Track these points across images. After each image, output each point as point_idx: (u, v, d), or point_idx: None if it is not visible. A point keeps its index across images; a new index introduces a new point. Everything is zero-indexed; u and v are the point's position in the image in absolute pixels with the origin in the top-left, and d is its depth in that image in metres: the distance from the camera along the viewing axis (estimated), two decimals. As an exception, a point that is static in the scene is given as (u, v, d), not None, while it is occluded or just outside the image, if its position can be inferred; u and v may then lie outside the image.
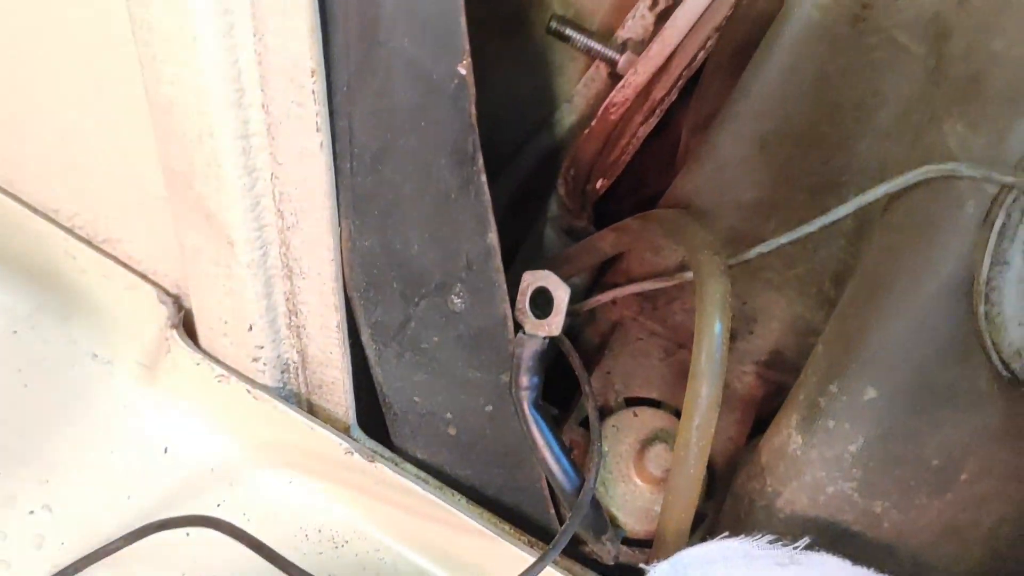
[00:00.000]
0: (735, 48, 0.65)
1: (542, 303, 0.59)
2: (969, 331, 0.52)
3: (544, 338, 0.59)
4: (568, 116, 0.93)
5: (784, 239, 0.58)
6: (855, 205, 0.53)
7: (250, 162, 0.56)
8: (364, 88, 0.53)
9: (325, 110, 0.53)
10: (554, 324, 0.59)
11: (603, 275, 0.75)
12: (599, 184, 0.79)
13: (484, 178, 0.54)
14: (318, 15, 0.50)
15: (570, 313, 0.75)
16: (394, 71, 0.52)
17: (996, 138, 0.48)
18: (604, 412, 0.71)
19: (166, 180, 0.59)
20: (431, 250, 0.58)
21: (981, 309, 0.50)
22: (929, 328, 0.52)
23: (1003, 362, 0.52)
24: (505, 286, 0.59)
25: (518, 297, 0.60)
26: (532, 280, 0.59)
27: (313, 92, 0.52)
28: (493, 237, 0.57)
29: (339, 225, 0.59)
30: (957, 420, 0.55)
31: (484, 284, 0.58)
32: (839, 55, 0.56)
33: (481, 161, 0.54)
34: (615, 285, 0.72)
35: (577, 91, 0.91)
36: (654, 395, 0.72)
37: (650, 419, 0.70)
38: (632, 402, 0.72)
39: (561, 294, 0.58)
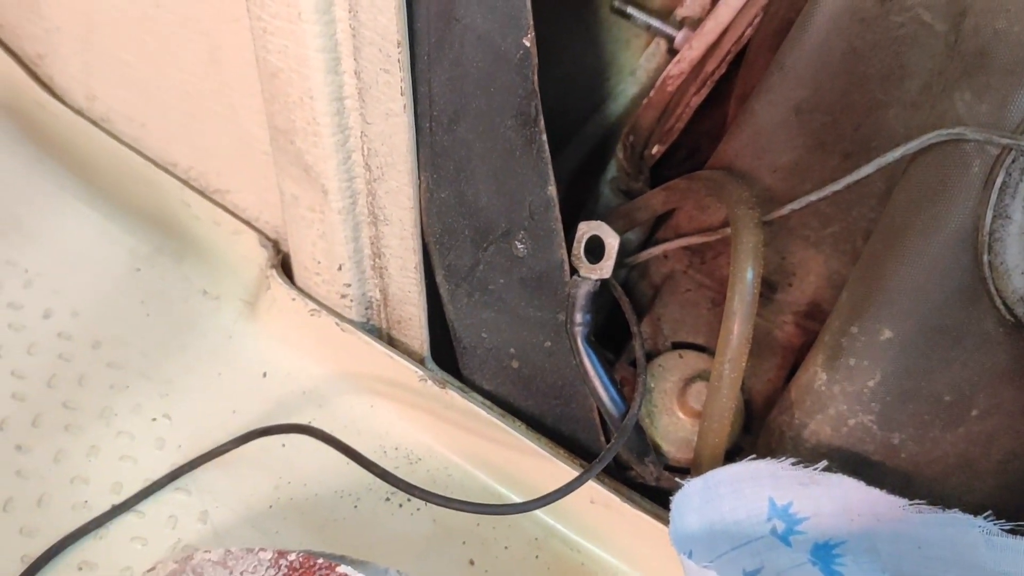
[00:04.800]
0: (777, 26, 0.71)
1: (595, 250, 0.67)
2: (976, 279, 0.57)
3: (596, 280, 0.67)
4: (632, 88, 1.00)
5: (813, 196, 0.64)
6: (875, 166, 0.59)
7: (343, 121, 0.65)
8: (442, 58, 0.61)
9: (409, 76, 0.62)
10: (605, 268, 0.66)
11: (656, 231, 0.82)
12: (655, 150, 0.85)
13: (545, 137, 0.62)
14: (404, -7, 0.59)
15: (625, 265, 0.83)
16: (468, 43, 0.60)
17: (998, 105, 0.53)
18: (652, 354, 0.78)
19: (271, 136, 0.68)
20: (498, 201, 0.66)
21: (985, 259, 0.56)
22: (939, 275, 0.58)
23: (1007, 307, 0.58)
24: (563, 234, 0.66)
25: (574, 244, 0.67)
26: (586, 229, 0.67)
27: (399, 60, 0.61)
28: (552, 190, 0.64)
29: (419, 178, 0.67)
30: (966, 360, 0.60)
31: (544, 232, 0.66)
32: (867, 31, 0.62)
33: (542, 123, 0.62)
34: (666, 240, 0.79)
35: (640, 64, 0.98)
36: (700, 341, 0.79)
37: (694, 361, 0.77)
38: (679, 346, 0.79)
39: (612, 241, 0.66)
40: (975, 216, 0.56)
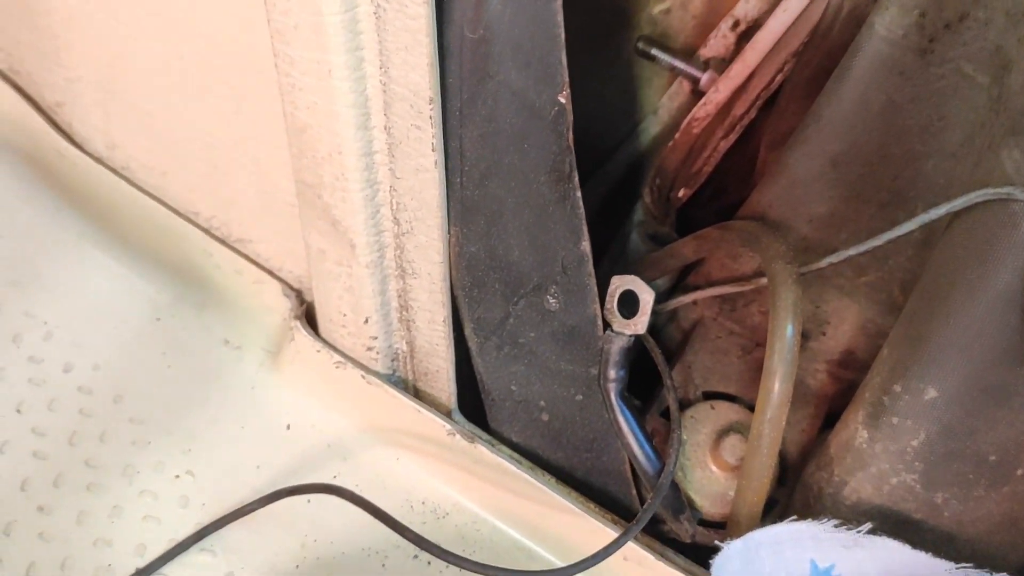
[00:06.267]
0: (811, 74, 0.70)
1: (628, 304, 0.66)
2: (1023, 339, 0.56)
3: (630, 336, 0.65)
4: (654, 126, 0.99)
5: (852, 251, 0.63)
6: (918, 222, 0.58)
7: (372, 176, 0.64)
8: (474, 114, 0.60)
9: (440, 133, 0.60)
10: (639, 323, 0.65)
11: (685, 277, 0.81)
12: (682, 193, 0.84)
13: (579, 194, 0.61)
14: (436, 51, 0.57)
15: (654, 312, 0.81)
16: (501, 100, 0.59)
17: (1049, 166, 0.52)
18: (683, 404, 0.76)
19: (297, 190, 0.67)
20: (530, 255, 0.65)
21: (1034, 319, 0.55)
22: (986, 335, 0.57)
23: (1056, 368, 0.56)
24: (596, 289, 0.65)
25: (607, 298, 0.66)
26: (620, 284, 0.65)
27: (430, 117, 0.59)
28: (586, 245, 0.63)
29: (448, 232, 0.66)
30: (1012, 419, 0.59)
31: (577, 287, 0.65)
32: (907, 84, 0.61)
33: (576, 179, 0.60)
34: (696, 287, 0.78)
35: (662, 103, 0.97)
36: (731, 390, 0.78)
37: (726, 412, 0.75)
38: (710, 396, 0.77)
39: (646, 296, 0.64)
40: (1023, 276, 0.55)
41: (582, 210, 0.62)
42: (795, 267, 0.63)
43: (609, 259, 0.86)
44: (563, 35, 0.56)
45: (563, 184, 0.61)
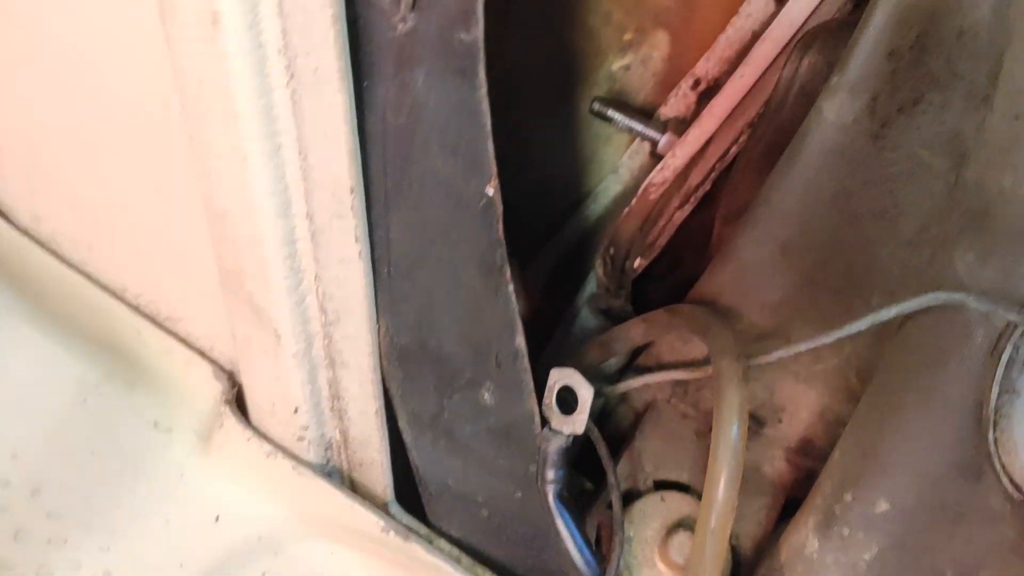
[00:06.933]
0: (764, 149, 0.67)
1: (568, 399, 0.62)
2: (979, 454, 0.53)
3: (568, 435, 0.62)
4: (614, 186, 0.95)
5: (803, 346, 0.59)
6: (869, 322, 0.55)
7: (295, 264, 0.60)
8: (400, 202, 0.57)
9: (363, 223, 0.57)
10: (578, 422, 0.61)
11: (637, 356, 0.77)
12: (637, 263, 0.81)
13: (511, 288, 0.57)
14: (356, 139, 0.54)
15: (604, 394, 0.78)
16: (427, 188, 0.56)
17: (1003, 274, 0.49)
18: (632, 495, 0.73)
19: (220, 277, 0.63)
20: (463, 349, 0.61)
21: (991, 435, 0.51)
22: (939, 448, 0.53)
23: (1014, 484, 0.53)
24: (532, 385, 0.61)
25: (545, 393, 0.62)
26: (559, 377, 0.62)
27: (352, 207, 0.56)
28: (521, 340, 0.59)
29: (377, 322, 0.62)
30: (969, 536, 0.55)
31: (512, 382, 0.61)
32: (859, 170, 0.58)
33: (508, 272, 0.57)
34: (647, 369, 0.74)
35: (622, 163, 0.94)
36: (684, 478, 0.74)
37: (677, 504, 0.71)
38: (661, 485, 0.73)
39: (585, 394, 0.61)
40: (978, 389, 0.51)
41: (515, 304, 0.58)
42: (743, 364, 0.60)
43: (556, 339, 0.82)
44: (490, 124, 0.52)
45: (494, 277, 0.58)
